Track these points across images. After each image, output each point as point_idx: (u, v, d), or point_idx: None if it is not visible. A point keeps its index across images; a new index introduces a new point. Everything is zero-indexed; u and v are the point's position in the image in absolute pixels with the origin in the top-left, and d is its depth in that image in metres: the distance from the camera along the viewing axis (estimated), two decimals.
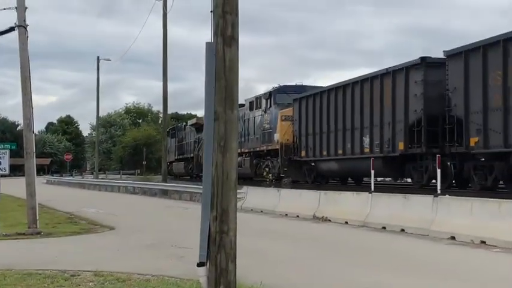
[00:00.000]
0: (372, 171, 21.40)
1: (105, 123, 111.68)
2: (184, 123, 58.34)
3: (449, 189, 20.32)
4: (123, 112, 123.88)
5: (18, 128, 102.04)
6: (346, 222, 17.77)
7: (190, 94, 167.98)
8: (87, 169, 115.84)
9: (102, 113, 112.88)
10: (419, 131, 22.08)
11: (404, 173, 24.51)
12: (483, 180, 20.00)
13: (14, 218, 21.59)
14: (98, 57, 67.42)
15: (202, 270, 7.20)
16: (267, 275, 9.23)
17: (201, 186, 7.28)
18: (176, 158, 56.24)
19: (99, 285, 8.69)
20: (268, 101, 34.74)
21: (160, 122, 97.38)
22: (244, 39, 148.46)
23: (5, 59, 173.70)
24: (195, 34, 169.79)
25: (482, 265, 10.81)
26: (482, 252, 12.15)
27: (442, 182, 20.00)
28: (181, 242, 13.31)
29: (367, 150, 25.38)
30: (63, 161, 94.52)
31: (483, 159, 20.01)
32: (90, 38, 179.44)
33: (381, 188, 21.42)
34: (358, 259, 11.42)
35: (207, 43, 7.11)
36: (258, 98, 36.17)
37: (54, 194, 38.50)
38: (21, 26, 17.04)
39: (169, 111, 60.11)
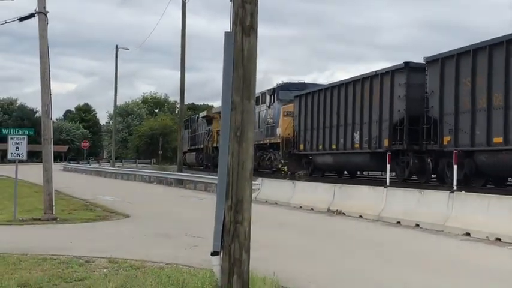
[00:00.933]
0: (388, 166, 21.36)
1: (122, 112, 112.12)
2: (197, 115, 59.68)
3: (427, 183, 23.25)
4: (140, 102, 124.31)
5: (36, 114, 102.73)
6: (361, 216, 17.73)
7: (208, 85, 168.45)
8: (104, 157, 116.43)
9: (119, 102, 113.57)
10: (402, 130, 24.15)
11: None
12: (450, 175, 21.28)
13: (30, 203, 21.76)
14: (117, 46, 67.72)
15: (216, 260, 7.22)
16: (280, 266, 9.24)
17: (216, 177, 7.29)
18: (189, 148, 57.15)
19: (113, 271, 8.74)
20: (272, 96, 36.71)
21: (177, 112, 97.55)
22: (264, 30, 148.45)
23: (24, 47, 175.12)
24: (215, 25, 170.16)
25: (497, 262, 10.73)
26: (497, 249, 12.07)
27: (420, 177, 24.56)
28: (195, 232, 13.34)
29: (357, 145, 27.38)
30: (80, 149, 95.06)
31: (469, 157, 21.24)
32: (109, 27, 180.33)
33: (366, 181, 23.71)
34: (373, 253, 11.40)
35: (226, 32, 7.10)
36: (263, 94, 37.82)
37: (71, 181, 38.73)
38: (41, 13, 17.14)
39: (186, 102, 60.61)
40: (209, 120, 51.04)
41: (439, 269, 9.74)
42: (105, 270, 8.89)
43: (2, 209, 22.49)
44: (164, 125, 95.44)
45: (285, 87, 36.56)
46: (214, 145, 47.86)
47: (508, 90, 18.82)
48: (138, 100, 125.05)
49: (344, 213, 18.60)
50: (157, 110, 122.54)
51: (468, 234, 13.65)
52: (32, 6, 17.35)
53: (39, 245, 11.34)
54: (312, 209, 20.22)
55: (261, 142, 36.79)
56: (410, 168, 24.28)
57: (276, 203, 22.48)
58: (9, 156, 17.13)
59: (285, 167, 29.77)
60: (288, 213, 19.44)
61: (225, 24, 7.12)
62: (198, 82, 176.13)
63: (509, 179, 23.21)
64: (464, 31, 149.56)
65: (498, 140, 19.21)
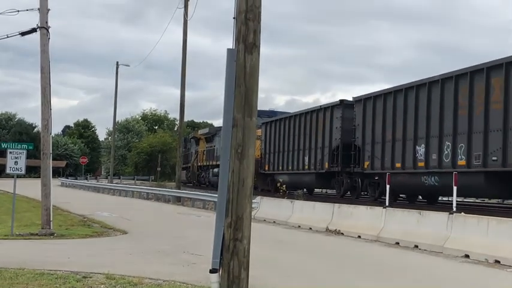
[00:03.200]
0: (388, 186, 21.32)
1: (122, 129, 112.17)
2: (189, 135, 63.06)
3: (357, 198, 28.74)
4: (140, 118, 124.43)
5: (35, 129, 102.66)
6: (359, 236, 17.66)
7: (209, 103, 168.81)
8: (102, 173, 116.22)
9: (121, 119, 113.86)
10: (337, 155, 29.87)
11: (330, 185, 32.50)
12: (373, 192, 28.01)
13: (28, 218, 21.68)
14: (117, 62, 68.10)
15: (215, 277, 7.18)
16: (279, 285, 9.19)
17: (215, 195, 7.27)
18: (182, 166, 58.10)
19: (111, 287, 8.68)
20: None
21: (175, 129, 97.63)
22: (265, 50, 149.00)
23: (28, 62, 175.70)
24: (218, 44, 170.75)
25: (496, 284, 10.68)
26: (496, 271, 12.01)
27: (352, 193, 30.12)
28: (193, 249, 13.29)
29: (306, 167, 33.11)
30: (78, 164, 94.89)
31: (376, 177, 27.17)
32: (113, 45, 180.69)
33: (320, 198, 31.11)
34: (372, 274, 11.34)
35: (229, 49, 7.12)
36: None
37: (69, 196, 38.63)
38: (43, 28, 17.19)
39: (186, 119, 61.69)
40: (196, 140, 56.01)
41: None
42: (102, 286, 8.84)
43: (0, 224, 22.43)
44: (163, 141, 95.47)
45: (257, 114, 41.37)
46: (199, 164, 53.81)
47: (405, 126, 24.56)
48: (137, 117, 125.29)
49: (342, 233, 18.54)
50: (156, 127, 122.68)
51: (467, 256, 13.59)
52: (35, 21, 17.37)
53: (37, 260, 11.28)
54: (310, 228, 20.15)
55: None
56: (344, 186, 30.29)
57: (274, 222, 22.41)
58: (7, 171, 17.08)
59: (284, 186, 29.92)
60: (287, 232, 19.37)
61: (229, 43, 7.15)
62: (201, 100, 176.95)
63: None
64: (464, 53, 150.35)
65: (398, 165, 24.97)
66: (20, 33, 17.67)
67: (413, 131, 23.90)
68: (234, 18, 7.16)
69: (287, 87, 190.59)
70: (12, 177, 17.47)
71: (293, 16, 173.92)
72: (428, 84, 23.17)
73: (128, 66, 70.72)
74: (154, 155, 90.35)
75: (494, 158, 19.71)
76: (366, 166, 27.20)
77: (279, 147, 36.83)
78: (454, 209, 16.35)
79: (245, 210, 7.03)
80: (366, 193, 29.32)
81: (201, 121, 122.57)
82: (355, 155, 28.22)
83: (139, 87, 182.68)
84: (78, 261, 11.32)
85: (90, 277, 9.51)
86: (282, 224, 21.79)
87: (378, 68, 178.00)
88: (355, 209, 19.44)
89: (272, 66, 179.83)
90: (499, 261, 12.73)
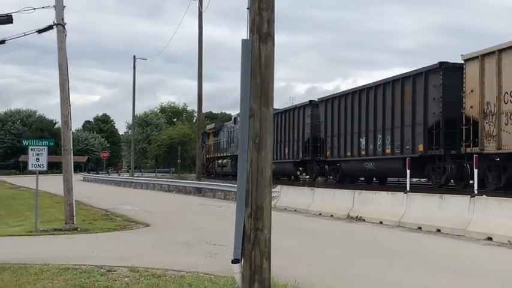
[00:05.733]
0: (409, 171, 21.26)
1: (141, 122, 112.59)
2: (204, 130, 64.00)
3: (326, 181, 32.42)
4: (158, 111, 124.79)
5: (56, 126, 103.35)
6: (381, 222, 17.64)
7: (229, 94, 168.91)
8: (123, 167, 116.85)
9: (140, 112, 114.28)
10: (308, 146, 35.56)
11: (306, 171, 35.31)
12: (335, 176, 33.43)
13: (51, 214, 21.94)
14: (134, 56, 68.48)
15: (237, 267, 7.21)
16: (301, 273, 9.22)
17: (235, 185, 7.29)
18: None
19: (135, 280, 8.76)
20: None
21: (194, 121, 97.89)
22: (282, 38, 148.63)
23: (51, 59, 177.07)
24: (237, 35, 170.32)
25: None
26: None
27: (321, 177, 33.77)
28: (215, 240, 13.36)
29: (286, 157, 38.54)
30: (99, 159, 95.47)
31: (338, 164, 32.68)
32: (130, 39, 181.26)
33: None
34: (394, 260, 11.33)
35: (243, 40, 7.11)
36: (236, 117, 47.41)
37: (91, 191, 38.94)
38: (59, 24, 17.28)
39: (205, 111, 62.30)
40: (207, 135, 58.92)
41: (461, 274, 9.65)
42: (126, 279, 8.91)
43: (24, 220, 22.69)
44: (182, 134, 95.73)
45: None
46: (207, 156, 58.08)
47: (353, 123, 30.23)
48: (156, 110, 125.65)
49: (364, 220, 18.52)
50: (175, 120, 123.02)
51: (490, 238, 13.52)
52: (51, 19, 17.47)
53: (61, 255, 11.40)
54: (331, 215, 20.15)
55: (235, 153, 45.27)
56: (315, 172, 34.87)
57: (295, 210, 22.44)
58: (29, 167, 17.25)
59: (304, 174, 30.07)
60: (308, 220, 19.39)
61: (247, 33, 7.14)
62: (221, 91, 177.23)
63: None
64: (482, 35, 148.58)
65: (349, 153, 30.70)
66: (36, 31, 17.78)
67: (357, 127, 29.87)
68: (247, 8, 7.15)
69: (307, 75, 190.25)
70: (35, 173, 17.65)
71: (306, 3, 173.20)
72: (367, 90, 29.23)
73: (145, 60, 70.98)
74: (174, 147, 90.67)
75: (408, 147, 25.41)
76: (327, 155, 33.13)
77: (275, 139, 39.69)
78: (476, 192, 16.26)
79: (265, 200, 7.04)
80: (330, 177, 34.24)
81: (219, 112, 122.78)
82: (320, 146, 34.22)
83: (160, 80, 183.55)
84: (102, 255, 11.43)
85: (114, 270, 9.60)
86: (303, 212, 21.81)
87: (396, 53, 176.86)
88: (376, 195, 19.40)
89: (291, 55, 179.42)
90: None
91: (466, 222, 14.51)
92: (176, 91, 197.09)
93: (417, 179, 31.67)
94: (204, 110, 53.43)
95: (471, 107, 21.89)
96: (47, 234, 15.83)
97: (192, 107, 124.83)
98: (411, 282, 9.02)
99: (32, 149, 16.99)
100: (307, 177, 31.07)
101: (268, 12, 6.97)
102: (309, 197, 22.67)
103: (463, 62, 22.57)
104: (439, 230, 15.27)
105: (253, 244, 7.05)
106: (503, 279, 9.25)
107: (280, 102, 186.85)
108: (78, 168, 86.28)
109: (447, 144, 23.27)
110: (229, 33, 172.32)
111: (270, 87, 7.02)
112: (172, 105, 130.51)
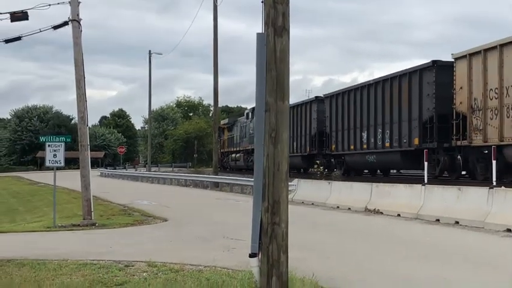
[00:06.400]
0: (426, 163, 21.15)
1: (157, 117, 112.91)
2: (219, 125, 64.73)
3: (330, 174, 30.98)
4: (174, 105, 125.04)
5: (72, 121, 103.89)
6: (399, 215, 17.56)
7: (245, 88, 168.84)
8: (140, 162, 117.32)
9: (157, 107, 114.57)
10: (315, 140, 37.02)
11: (312, 165, 37.12)
12: (340, 169, 34.20)
13: (70, 209, 22.08)
14: (150, 51, 68.85)
15: (255, 261, 7.20)
16: (319, 267, 9.20)
17: (252, 179, 7.27)
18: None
19: (153, 275, 8.79)
20: (251, 114, 47.45)
21: (210, 115, 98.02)
22: (298, 31, 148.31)
23: (68, 55, 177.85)
24: (253, 29, 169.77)
25: None
26: None
27: (328, 170, 32.82)
28: (232, 234, 13.37)
29: (294, 151, 38.61)
30: (116, 154, 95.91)
31: (343, 157, 33.89)
32: (146, 34, 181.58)
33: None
34: (413, 253, 11.27)
35: (258, 34, 7.08)
36: (248, 112, 49.92)
37: (108, 186, 39.15)
38: (75, 20, 17.35)
39: (221, 105, 62.44)
40: (222, 130, 59.90)
41: (480, 266, 9.59)
42: (144, 274, 8.94)
43: (42, 216, 22.87)
44: (199, 128, 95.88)
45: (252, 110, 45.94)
46: (222, 151, 58.65)
47: (356, 118, 31.53)
48: (172, 104, 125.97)
49: (382, 212, 18.46)
50: (191, 114, 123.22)
51: (509, 230, 13.42)
52: (67, 15, 17.54)
53: (79, 251, 11.47)
54: (349, 208, 20.10)
55: (247, 148, 48.45)
56: (324, 165, 34.46)
57: (312, 204, 22.41)
58: (47, 164, 17.36)
59: (321, 167, 30.03)
60: (325, 214, 19.36)
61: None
62: (237, 85, 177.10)
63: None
64: (498, 26, 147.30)
65: (352, 147, 32.01)
66: (52, 27, 17.88)
67: (359, 121, 31.12)
68: (262, 1, 7.12)
69: (324, 68, 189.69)
70: (52, 169, 17.75)
71: None
72: (368, 86, 30.46)
73: (161, 54, 71.61)
74: (191, 142, 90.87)
75: (405, 141, 26.62)
76: (333, 149, 34.53)
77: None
78: (494, 183, 16.15)
79: (281, 194, 7.02)
80: (335, 170, 34.83)
81: (236, 106, 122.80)
82: (326, 140, 35.72)
83: (176, 75, 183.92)
84: (120, 250, 11.48)
85: (132, 265, 9.63)
86: (320, 206, 21.78)
87: (412, 45, 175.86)
88: (393, 187, 19.32)
89: (307, 48, 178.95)
90: None
91: (485, 214, 14.41)
92: (193, 85, 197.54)
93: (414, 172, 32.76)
94: (220, 104, 53.58)
95: (461, 103, 23.35)
96: (65, 230, 15.92)
97: (209, 101, 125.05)
98: (429, 274, 8.97)
99: (49, 145, 17.08)
100: (326, 170, 31.33)
101: (283, 6, 6.93)
102: (326, 190, 22.63)
103: (453, 60, 23.88)
104: (457, 222, 15.18)
105: (270, 238, 7.04)
106: None
107: (296, 95, 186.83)
108: (96, 163, 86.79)
109: (440, 138, 24.48)
110: (245, 27, 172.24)
111: (285, 81, 6.99)
112: (188, 99, 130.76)
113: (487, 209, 14.47)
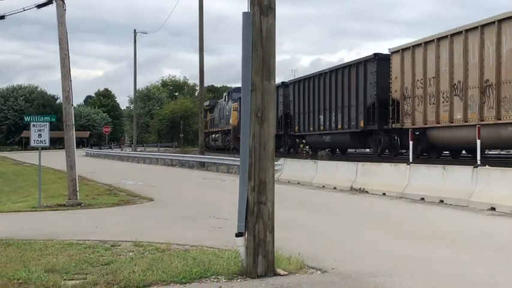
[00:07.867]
0: (411, 143, 21.20)
1: (143, 97, 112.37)
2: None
3: (297, 153, 32.70)
4: (160, 85, 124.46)
5: (58, 101, 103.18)
6: (384, 194, 17.67)
7: (233, 68, 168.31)
8: (126, 142, 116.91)
9: (143, 87, 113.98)
10: (281, 122, 38.96)
11: (281, 144, 40.11)
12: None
13: (55, 189, 21.99)
14: (135, 30, 68.47)
15: (241, 241, 7.23)
16: (305, 246, 9.24)
17: (238, 159, 7.28)
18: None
19: (139, 254, 8.79)
20: (227, 96, 52.39)
21: (196, 94, 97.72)
22: (284, 10, 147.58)
23: (55, 35, 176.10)
24: (242, 8, 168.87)
25: None
26: None
27: (293, 150, 37.71)
28: (219, 213, 13.39)
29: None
30: (101, 134, 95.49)
31: (304, 139, 34.40)
32: (132, 12, 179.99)
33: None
34: (398, 231, 11.35)
35: (244, 13, 7.05)
36: (225, 95, 54.31)
37: (94, 166, 39.04)
38: None
39: (206, 84, 62.84)
40: (206, 111, 60.57)
41: (465, 244, 9.68)
42: (131, 253, 8.94)
43: (27, 196, 22.78)
44: (185, 107, 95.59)
45: (237, 90, 48.95)
46: (205, 131, 58.38)
47: (314, 102, 34.68)
48: (157, 84, 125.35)
49: (367, 191, 18.56)
50: (177, 94, 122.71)
51: (493, 208, 13.55)
52: None
53: (65, 231, 11.45)
54: (334, 188, 20.19)
55: (224, 129, 52.62)
56: (287, 144, 39.79)
57: (298, 183, 22.48)
58: (32, 143, 17.25)
59: (307, 147, 30.15)
60: (311, 193, 19.43)
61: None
62: (225, 64, 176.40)
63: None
64: (486, 4, 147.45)
65: (311, 129, 35.11)
66: (36, 6, 17.68)
67: (317, 106, 34.27)
68: None
69: (311, 47, 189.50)
70: (37, 149, 17.66)
71: None
72: (324, 74, 33.47)
73: (146, 33, 71.04)
74: (176, 122, 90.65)
75: (353, 123, 29.80)
76: (296, 130, 37.59)
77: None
78: (479, 162, 16.26)
79: (268, 174, 7.04)
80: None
81: (221, 85, 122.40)
82: (290, 122, 38.59)
83: (164, 54, 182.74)
84: (106, 230, 11.47)
85: (119, 245, 9.63)
86: (306, 185, 21.86)
87: (400, 23, 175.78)
88: (379, 166, 19.42)
89: (294, 27, 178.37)
90: None
91: (469, 193, 14.53)
92: (180, 65, 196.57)
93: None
94: (206, 84, 53.64)
95: (395, 91, 26.87)
96: (50, 210, 15.88)
97: (195, 80, 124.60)
98: (412, 251, 9.05)
99: (34, 125, 16.96)
100: (291, 149, 36.38)
101: None
102: (312, 170, 22.70)
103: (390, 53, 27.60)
104: (442, 201, 15.30)
105: (256, 217, 7.07)
106: (505, 250, 9.27)
107: (283, 75, 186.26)
108: (81, 143, 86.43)
109: (381, 121, 27.92)
110: (234, 6, 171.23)
111: (271, 61, 6.98)
112: (173, 79, 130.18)
113: (472, 188, 14.59)
